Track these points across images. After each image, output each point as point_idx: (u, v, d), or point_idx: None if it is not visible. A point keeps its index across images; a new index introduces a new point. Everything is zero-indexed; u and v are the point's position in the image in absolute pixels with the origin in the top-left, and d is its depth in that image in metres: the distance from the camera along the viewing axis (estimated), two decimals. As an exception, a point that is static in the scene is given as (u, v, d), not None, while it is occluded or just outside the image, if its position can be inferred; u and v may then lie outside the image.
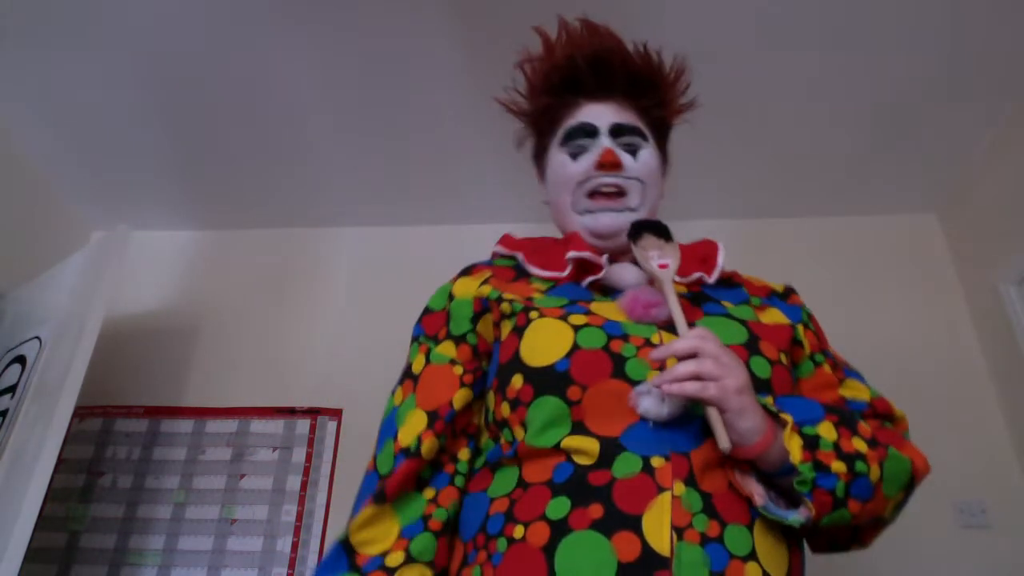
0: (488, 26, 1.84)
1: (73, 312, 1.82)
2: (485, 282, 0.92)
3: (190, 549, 2.02)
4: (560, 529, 0.70)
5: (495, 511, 0.77)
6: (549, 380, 0.78)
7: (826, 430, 0.75)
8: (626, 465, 0.72)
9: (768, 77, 1.95)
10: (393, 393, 0.92)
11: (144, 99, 2.09)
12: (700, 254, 0.96)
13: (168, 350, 2.36)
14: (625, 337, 0.79)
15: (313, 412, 2.22)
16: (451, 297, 0.93)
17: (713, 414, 0.72)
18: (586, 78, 0.99)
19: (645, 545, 0.67)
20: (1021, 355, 1.97)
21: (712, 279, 0.94)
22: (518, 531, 0.73)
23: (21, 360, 1.89)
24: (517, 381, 0.80)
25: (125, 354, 2.33)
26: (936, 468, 2.13)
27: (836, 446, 0.74)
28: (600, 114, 0.98)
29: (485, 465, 0.84)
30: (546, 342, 0.80)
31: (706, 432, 0.74)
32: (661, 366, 0.76)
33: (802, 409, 0.77)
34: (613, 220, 0.93)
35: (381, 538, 0.80)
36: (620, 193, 0.94)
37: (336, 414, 2.21)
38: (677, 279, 0.88)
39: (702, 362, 0.72)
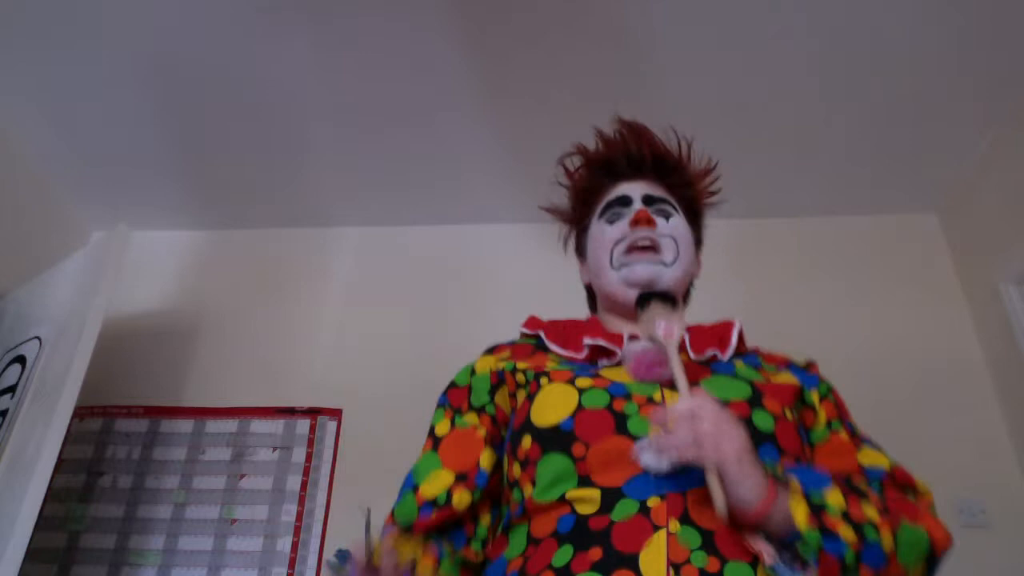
0: (489, 26, 1.84)
1: (73, 312, 1.82)
2: (503, 359, 0.98)
3: (190, 549, 2.02)
4: (563, 575, 0.72)
5: (511, 571, 0.78)
6: (555, 438, 0.81)
7: (833, 497, 0.75)
8: (624, 509, 0.74)
9: (768, 77, 1.95)
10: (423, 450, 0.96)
11: (144, 99, 2.09)
12: (717, 334, 0.98)
13: (168, 350, 2.36)
14: (628, 396, 0.83)
15: (313, 412, 2.22)
16: (473, 372, 0.99)
17: (711, 478, 0.72)
18: (620, 164, 1.09)
19: None
20: (1021, 355, 1.97)
21: (725, 357, 0.95)
22: None
23: (21, 360, 1.89)
24: (526, 442, 0.84)
25: (125, 354, 2.33)
26: (936, 468, 2.13)
27: (844, 513, 0.74)
28: (633, 188, 1.06)
29: (502, 531, 0.87)
30: (553, 404, 0.84)
31: (703, 481, 0.75)
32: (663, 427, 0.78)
33: (809, 476, 0.78)
34: (646, 269, 0.97)
35: (410, 551, 0.82)
36: (654, 248, 0.99)
37: (336, 414, 2.21)
38: (693, 357, 0.92)
39: (699, 424, 0.73)
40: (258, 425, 2.20)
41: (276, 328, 2.40)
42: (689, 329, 0.97)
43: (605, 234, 1.02)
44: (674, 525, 0.72)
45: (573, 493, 0.77)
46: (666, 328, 0.89)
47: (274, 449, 2.16)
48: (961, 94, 1.98)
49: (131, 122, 2.17)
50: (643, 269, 0.97)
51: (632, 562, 0.70)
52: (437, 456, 0.91)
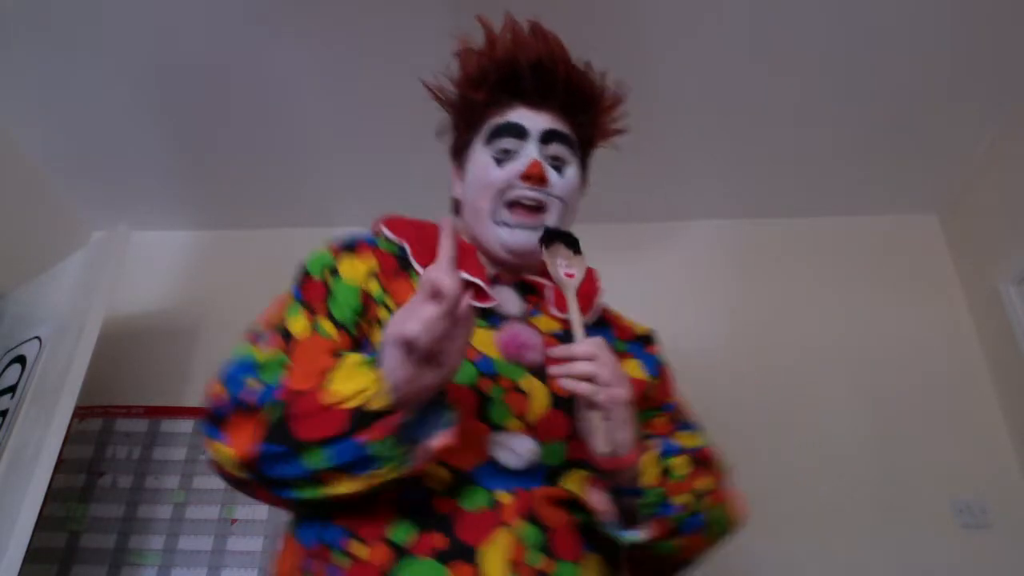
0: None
1: (73, 312, 1.82)
2: (372, 275, 0.88)
3: (190, 549, 2.02)
4: (401, 553, 0.71)
5: (337, 523, 0.75)
6: None
7: (680, 464, 0.80)
8: (474, 498, 0.74)
9: (768, 77, 1.95)
10: (254, 344, 0.81)
11: (144, 99, 2.09)
12: (583, 291, 0.94)
13: (168, 350, 2.36)
14: (495, 377, 0.80)
15: (313, 412, 2.22)
16: (334, 272, 0.88)
17: (596, 419, 0.75)
18: (526, 82, 0.95)
19: None
20: (1021, 355, 1.97)
21: (589, 319, 0.93)
22: (359, 549, 0.72)
23: (21, 360, 1.89)
24: None
25: (125, 354, 2.33)
26: (936, 468, 2.15)
27: (685, 480, 0.79)
28: (533, 119, 0.94)
29: None
30: None
31: (551, 477, 0.78)
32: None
33: (665, 445, 0.82)
34: (529, 238, 0.91)
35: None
36: (540, 209, 0.92)
37: (336, 414, 2.21)
38: (556, 313, 0.91)
39: (599, 367, 0.74)
40: (258, 425, 2.20)
41: (276, 328, 2.39)
42: (554, 285, 0.93)
43: (490, 173, 0.92)
44: (519, 524, 0.73)
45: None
46: (568, 271, 0.88)
47: (274, 449, 2.16)
48: (961, 94, 1.98)
49: (131, 122, 2.17)
50: (524, 237, 0.91)
51: (474, 556, 0.70)
52: (286, 359, 0.77)
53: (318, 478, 0.69)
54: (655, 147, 2.17)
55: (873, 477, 1.99)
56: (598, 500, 0.77)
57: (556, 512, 0.76)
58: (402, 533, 0.72)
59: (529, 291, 0.95)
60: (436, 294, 0.64)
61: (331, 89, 2.05)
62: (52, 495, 1.99)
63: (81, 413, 2.18)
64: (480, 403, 0.78)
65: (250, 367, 0.77)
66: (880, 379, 2.14)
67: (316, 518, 0.77)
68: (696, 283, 2.34)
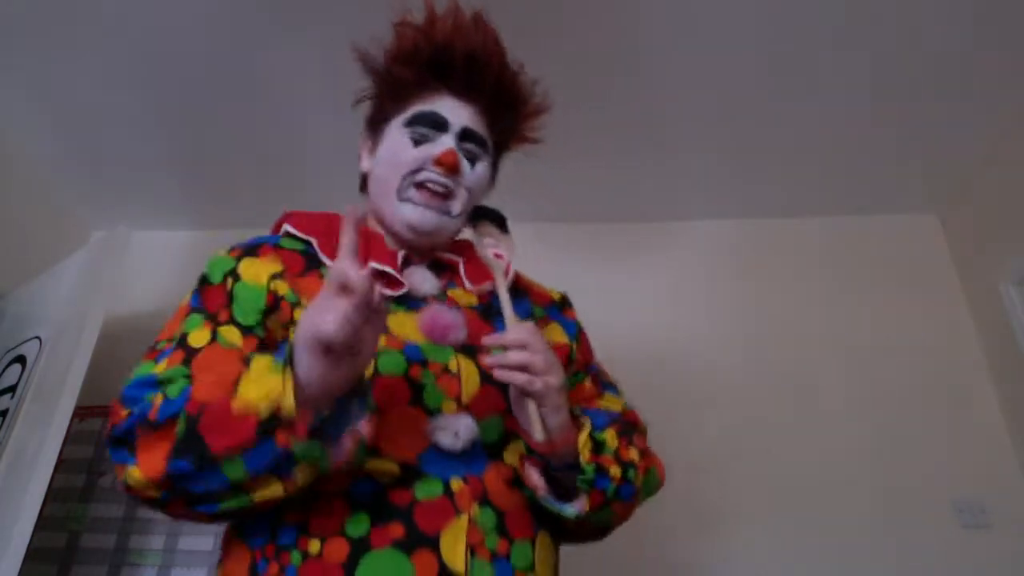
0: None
1: (73, 312, 1.82)
2: (278, 276, 0.85)
3: (190, 549, 2.02)
4: (360, 546, 0.71)
5: (288, 522, 0.74)
6: None
7: (611, 437, 0.82)
8: (428, 488, 0.75)
9: (768, 77, 1.95)
10: (155, 361, 0.79)
11: (144, 99, 2.09)
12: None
13: (168, 350, 2.36)
14: (424, 363, 0.80)
15: (313, 412, 2.22)
16: (236, 277, 0.84)
17: (531, 407, 0.77)
18: (456, 71, 0.94)
19: (442, 564, 0.71)
20: (1021, 355, 1.97)
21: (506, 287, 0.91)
22: (314, 546, 0.72)
23: (21, 360, 1.89)
24: None
25: (125, 354, 2.31)
26: (936, 468, 2.15)
27: (616, 453, 0.81)
28: (456, 112, 0.94)
29: None
30: None
31: (494, 454, 0.80)
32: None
33: (594, 416, 0.85)
34: (429, 219, 0.90)
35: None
36: (447, 195, 0.91)
37: (336, 414, 2.21)
38: (470, 287, 0.92)
39: (532, 356, 0.76)
40: (258, 425, 2.20)
41: (276, 328, 2.39)
42: (464, 255, 0.95)
43: (404, 152, 0.91)
44: (475, 509, 0.75)
45: (369, 464, 0.74)
46: (497, 252, 0.90)
47: (274, 449, 2.16)
48: (961, 94, 1.98)
49: (131, 122, 2.17)
50: (426, 217, 0.89)
51: (433, 543, 0.72)
52: (188, 371, 0.75)
53: (241, 486, 0.67)
54: (655, 147, 2.17)
55: (873, 477, 1.99)
56: (534, 477, 0.79)
57: (509, 493, 0.79)
58: (359, 526, 0.72)
59: (443, 268, 0.95)
60: (345, 288, 0.63)
61: (331, 89, 2.04)
62: (52, 495, 1.99)
63: (81, 413, 2.17)
64: (413, 391, 0.79)
65: (151, 383, 0.74)
66: (880, 378, 2.14)
67: (264, 520, 0.75)
68: (696, 283, 2.34)
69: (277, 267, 0.86)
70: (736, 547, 1.97)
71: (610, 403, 0.96)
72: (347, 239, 0.67)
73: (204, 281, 0.87)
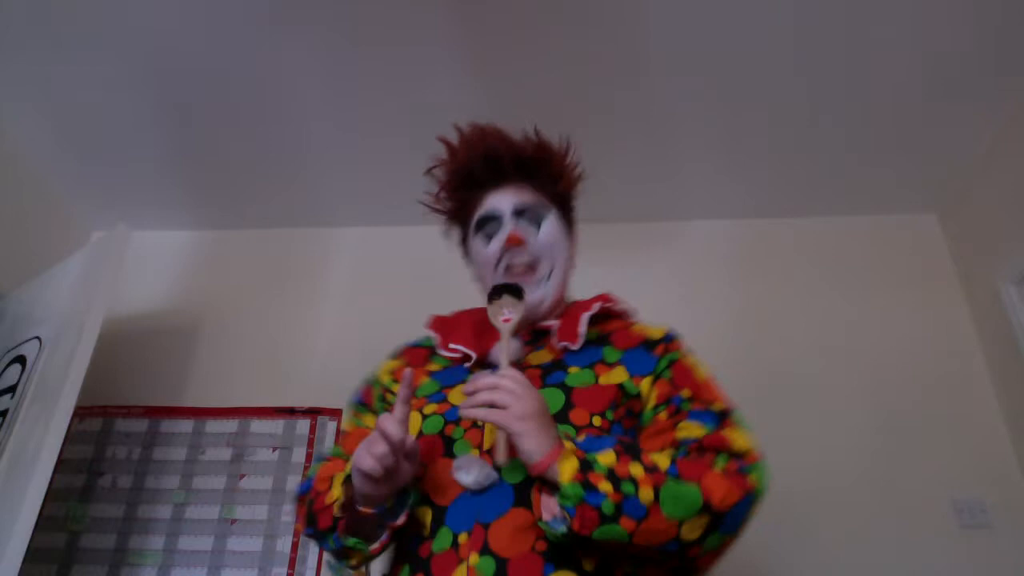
0: (488, 27, 1.84)
1: (73, 312, 1.82)
2: (390, 371, 1.13)
3: (190, 549, 2.02)
4: None
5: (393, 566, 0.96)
6: None
7: (605, 457, 0.85)
8: (442, 540, 0.87)
9: (769, 78, 1.95)
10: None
11: (144, 99, 2.09)
12: (572, 325, 1.06)
13: (168, 350, 2.36)
14: (457, 421, 0.97)
15: (313, 412, 2.22)
16: (379, 378, 1.14)
17: (500, 436, 0.86)
18: (482, 173, 1.15)
19: None
20: (1021, 355, 1.97)
21: (576, 347, 1.03)
22: None
23: (21, 360, 1.89)
24: None
25: (125, 354, 2.33)
26: (936, 468, 2.15)
27: (610, 470, 0.83)
28: (501, 200, 1.12)
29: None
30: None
31: (516, 500, 0.87)
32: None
33: (593, 443, 0.89)
34: (529, 291, 1.05)
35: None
36: (531, 268, 1.08)
37: (336, 414, 2.21)
38: (556, 345, 1.04)
39: (497, 393, 0.85)
40: (258, 425, 2.20)
41: (276, 328, 2.40)
42: (564, 317, 1.08)
43: (484, 252, 1.11)
44: (474, 558, 0.84)
45: (416, 512, 0.91)
46: (505, 317, 1.01)
47: (274, 449, 2.16)
48: (961, 94, 1.98)
49: (131, 122, 2.17)
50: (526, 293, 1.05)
51: None
52: (340, 450, 1.06)
53: (338, 553, 0.94)
54: (655, 147, 2.17)
55: (873, 477, 1.99)
56: (543, 503, 0.85)
57: (518, 539, 0.85)
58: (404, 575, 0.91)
59: (542, 333, 1.08)
60: (385, 436, 0.83)
61: (331, 89, 2.05)
62: (52, 495, 1.99)
63: (81, 413, 2.18)
64: (446, 444, 0.95)
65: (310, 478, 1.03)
66: (880, 379, 2.14)
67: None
68: (696, 283, 2.34)
69: (398, 364, 1.14)
70: (736, 547, 1.97)
71: (687, 431, 0.95)
72: (402, 394, 0.87)
73: (364, 382, 1.17)
